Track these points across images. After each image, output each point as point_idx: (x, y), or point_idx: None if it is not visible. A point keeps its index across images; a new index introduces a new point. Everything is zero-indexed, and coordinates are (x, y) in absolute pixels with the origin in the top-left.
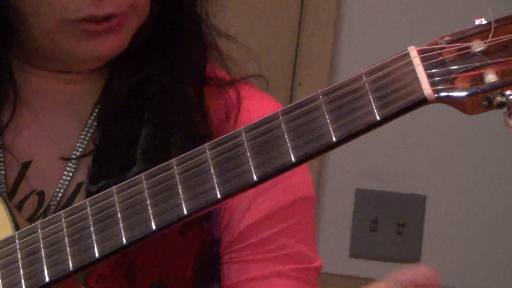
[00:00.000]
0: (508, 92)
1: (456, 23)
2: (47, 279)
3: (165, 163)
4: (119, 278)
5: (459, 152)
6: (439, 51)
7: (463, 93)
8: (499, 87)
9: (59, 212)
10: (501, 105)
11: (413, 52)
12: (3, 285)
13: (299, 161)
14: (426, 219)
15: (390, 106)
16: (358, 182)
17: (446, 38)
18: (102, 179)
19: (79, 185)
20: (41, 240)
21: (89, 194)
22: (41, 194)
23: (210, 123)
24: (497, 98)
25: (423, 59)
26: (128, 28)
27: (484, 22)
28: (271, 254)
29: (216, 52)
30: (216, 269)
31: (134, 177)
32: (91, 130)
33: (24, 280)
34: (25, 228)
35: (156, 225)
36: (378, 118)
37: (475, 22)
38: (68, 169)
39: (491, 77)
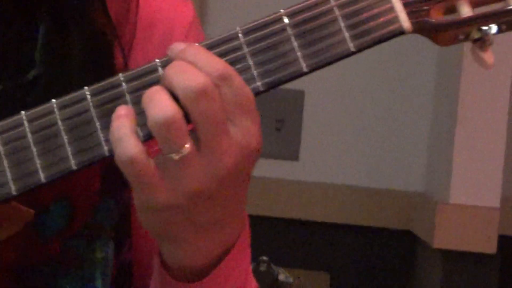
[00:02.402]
0: (484, 28)
1: None
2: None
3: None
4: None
5: None
6: None
7: (440, 26)
8: (475, 21)
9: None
10: (477, 40)
11: None
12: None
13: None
14: (305, 115)
15: (365, 37)
16: None
17: None
18: None
19: None
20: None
21: None
22: None
23: (110, 18)
24: (474, 32)
25: None
26: None
27: None
28: None
29: None
30: (124, 178)
31: (78, 92)
32: None
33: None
34: None
35: (109, 151)
36: (352, 49)
37: None
38: None
39: (466, 10)
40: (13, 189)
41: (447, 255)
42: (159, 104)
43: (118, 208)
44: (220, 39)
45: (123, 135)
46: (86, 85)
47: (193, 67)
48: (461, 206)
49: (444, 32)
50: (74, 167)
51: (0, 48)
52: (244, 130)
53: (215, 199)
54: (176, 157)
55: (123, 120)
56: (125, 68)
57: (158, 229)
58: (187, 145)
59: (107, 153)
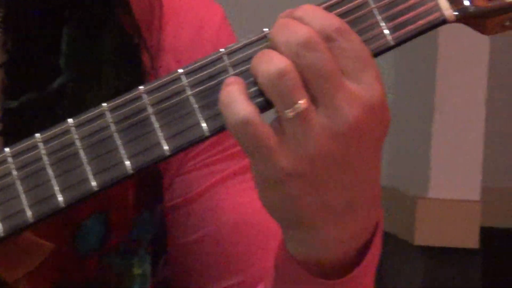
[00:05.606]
0: None
1: None
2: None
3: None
4: None
5: None
6: None
7: (485, 13)
8: None
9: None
10: None
11: None
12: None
13: None
14: None
15: (404, 28)
16: None
17: None
18: (21, 93)
19: None
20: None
21: (6, 111)
22: None
23: (135, 20)
24: None
25: None
26: None
27: None
28: (228, 151)
29: None
30: (159, 189)
31: (132, 93)
32: None
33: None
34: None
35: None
36: (392, 43)
37: None
38: None
39: None
40: (61, 201)
41: (429, 251)
42: (269, 60)
43: (154, 222)
44: None
45: (234, 98)
46: (116, 92)
47: (297, 22)
48: (440, 201)
49: (489, 19)
50: (131, 171)
51: (23, 56)
52: (366, 86)
53: (340, 166)
54: (291, 114)
55: (232, 86)
56: (153, 71)
57: (282, 208)
58: (301, 101)
59: (167, 153)
